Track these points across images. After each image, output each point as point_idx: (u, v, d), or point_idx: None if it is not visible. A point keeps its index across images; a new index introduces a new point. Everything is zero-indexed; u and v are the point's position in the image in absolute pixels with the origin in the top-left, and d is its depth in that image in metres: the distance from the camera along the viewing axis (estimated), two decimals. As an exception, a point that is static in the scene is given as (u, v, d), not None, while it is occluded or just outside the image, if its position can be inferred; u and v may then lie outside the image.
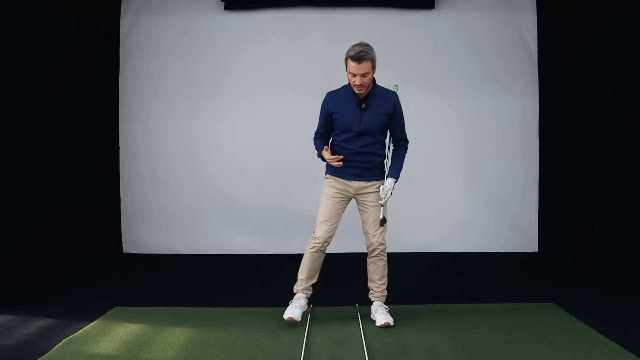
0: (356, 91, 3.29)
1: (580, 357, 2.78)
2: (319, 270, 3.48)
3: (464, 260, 5.32)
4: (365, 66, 3.18)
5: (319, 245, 3.40)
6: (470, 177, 5.76)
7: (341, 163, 3.32)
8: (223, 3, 5.75)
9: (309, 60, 5.70)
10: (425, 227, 5.75)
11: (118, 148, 5.81)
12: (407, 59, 5.73)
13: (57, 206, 4.60)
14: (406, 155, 3.50)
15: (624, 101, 4.30)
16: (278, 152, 5.69)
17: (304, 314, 3.47)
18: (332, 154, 3.39)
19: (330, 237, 3.42)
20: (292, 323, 3.33)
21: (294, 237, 5.59)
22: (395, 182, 3.41)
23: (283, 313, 3.39)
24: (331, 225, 3.40)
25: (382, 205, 3.36)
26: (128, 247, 5.84)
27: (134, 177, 5.82)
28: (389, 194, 3.36)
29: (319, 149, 3.42)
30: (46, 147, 4.47)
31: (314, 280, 3.48)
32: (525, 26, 5.72)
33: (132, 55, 5.81)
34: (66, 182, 4.75)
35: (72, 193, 4.83)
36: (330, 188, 3.43)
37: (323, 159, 3.42)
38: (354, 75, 3.21)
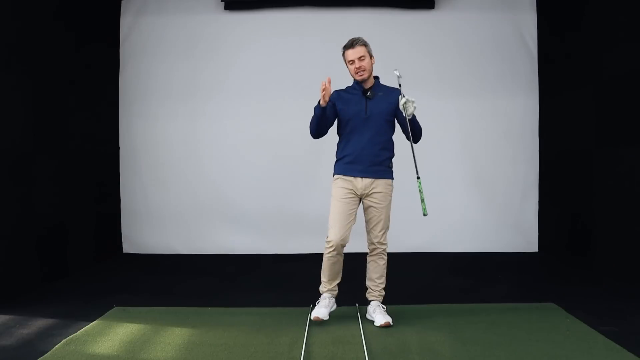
0: (358, 78, 3.34)
1: (580, 357, 2.78)
2: (341, 272, 3.46)
3: (464, 260, 5.32)
4: (359, 50, 3.30)
5: (334, 249, 3.34)
6: (470, 177, 5.76)
7: (329, 88, 3.18)
8: (223, 3, 5.76)
9: (308, 60, 5.70)
10: (425, 227, 5.72)
11: (118, 148, 5.81)
12: (407, 59, 5.72)
13: (57, 206, 4.60)
14: (420, 138, 3.45)
15: (623, 101, 4.30)
16: (278, 152, 5.69)
17: (304, 314, 3.48)
18: (340, 151, 3.42)
19: (345, 239, 3.34)
20: (291, 323, 3.34)
21: (294, 237, 5.61)
22: (412, 113, 3.24)
23: (283, 313, 3.40)
24: (343, 227, 3.33)
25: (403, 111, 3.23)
26: (128, 247, 5.85)
27: (134, 177, 5.83)
28: (410, 106, 3.19)
29: (316, 107, 3.31)
30: (46, 147, 4.47)
31: (338, 281, 3.47)
32: (525, 26, 5.72)
33: (132, 55, 5.81)
34: (66, 182, 4.75)
35: (72, 193, 4.83)
36: (339, 189, 3.37)
37: (322, 112, 3.28)
38: (352, 62, 3.32)
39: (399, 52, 5.73)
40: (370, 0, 5.77)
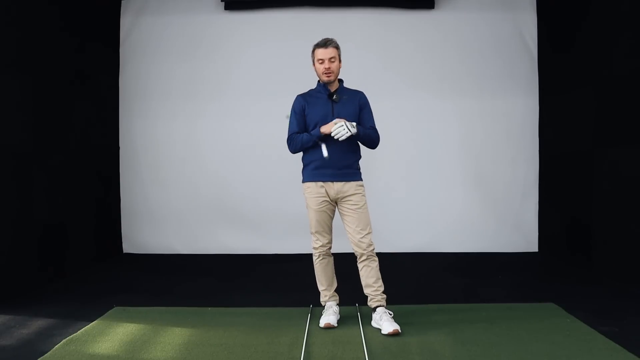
0: (325, 79, 3.33)
1: (580, 357, 2.78)
2: (334, 275, 3.46)
3: (464, 260, 5.32)
4: (331, 51, 3.31)
5: (323, 251, 3.39)
6: (470, 177, 5.76)
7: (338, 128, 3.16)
8: (223, 3, 5.76)
9: (308, 60, 5.68)
10: (425, 227, 5.75)
11: (118, 148, 5.81)
12: (407, 59, 5.74)
13: (57, 206, 4.60)
14: (378, 143, 3.41)
15: (623, 101, 4.30)
16: (278, 152, 5.64)
17: (304, 314, 3.49)
18: (307, 156, 3.36)
19: (329, 242, 3.41)
20: (291, 323, 3.34)
21: (294, 237, 5.60)
22: (353, 131, 3.19)
23: (283, 313, 3.39)
24: (325, 232, 3.38)
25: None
26: (128, 247, 5.85)
27: (134, 177, 5.83)
28: (341, 129, 3.16)
29: (314, 134, 3.27)
30: (46, 147, 4.47)
31: (335, 285, 3.47)
32: (525, 26, 5.72)
33: (132, 55, 5.82)
34: (66, 182, 4.75)
35: (72, 193, 4.83)
36: (313, 198, 3.34)
37: (321, 139, 3.26)
38: (322, 62, 3.32)
39: (398, 52, 5.74)
40: (370, 0, 5.77)
